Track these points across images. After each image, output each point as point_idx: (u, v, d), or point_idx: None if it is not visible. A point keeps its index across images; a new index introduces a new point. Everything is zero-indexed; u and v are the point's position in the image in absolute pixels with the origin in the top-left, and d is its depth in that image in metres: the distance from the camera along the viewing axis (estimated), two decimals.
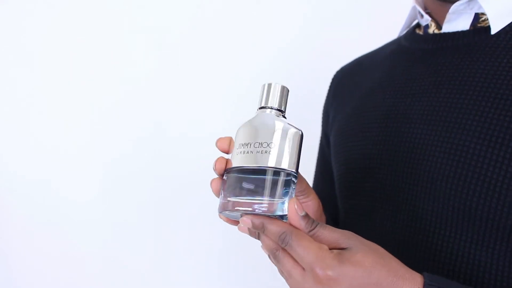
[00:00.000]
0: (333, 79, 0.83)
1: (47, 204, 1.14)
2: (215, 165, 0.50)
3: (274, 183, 0.48)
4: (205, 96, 1.14)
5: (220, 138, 0.52)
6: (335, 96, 0.79)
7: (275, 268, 0.74)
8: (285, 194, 0.48)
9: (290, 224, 0.47)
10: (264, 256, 0.71)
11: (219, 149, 0.52)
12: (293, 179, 0.49)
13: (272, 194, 0.48)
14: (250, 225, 0.48)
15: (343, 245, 0.47)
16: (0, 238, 1.14)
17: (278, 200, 0.48)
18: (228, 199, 0.48)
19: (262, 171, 0.47)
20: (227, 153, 0.52)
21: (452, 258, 0.55)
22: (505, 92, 0.54)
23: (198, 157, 1.12)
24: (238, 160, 0.48)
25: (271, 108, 0.51)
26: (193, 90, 1.14)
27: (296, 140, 0.49)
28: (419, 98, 0.61)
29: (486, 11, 0.59)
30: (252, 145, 0.48)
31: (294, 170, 0.49)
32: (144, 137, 1.15)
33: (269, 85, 0.51)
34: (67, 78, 1.14)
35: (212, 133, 1.15)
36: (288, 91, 0.52)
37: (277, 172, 0.48)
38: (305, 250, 0.45)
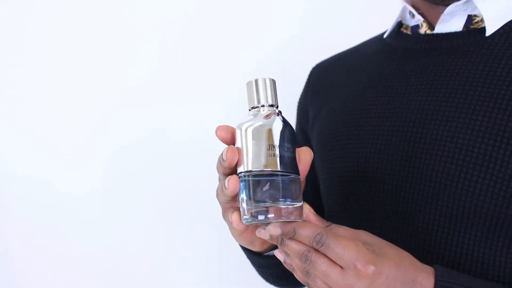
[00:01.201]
0: (310, 75, 0.82)
1: (47, 204, 1.14)
2: (227, 156, 0.47)
3: (299, 187, 0.49)
4: (205, 96, 1.14)
5: (220, 126, 0.50)
6: (315, 91, 0.78)
7: None
8: None
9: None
10: None
11: (220, 138, 0.49)
12: None
13: (300, 198, 0.49)
14: (279, 233, 0.48)
15: (361, 242, 0.48)
16: (0, 238, 1.15)
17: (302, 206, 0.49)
18: (264, 205, 0.47)
19: (293, 176, 0.48)
20: (229, 143, 0.49)
21: (456, 256, 0.55)
22: (507, 93, 0.55)
23: (199, 157, 1.12)
24: (268, 163, 0.47)
25: (269, 106, 0.50)
26: (193, 90, 1.14)
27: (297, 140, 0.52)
28: (415, 97, 0.61)
29: (482, 13, 0.59)
30: (277, 148, 0.47)
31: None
32: (144, 137, 1.14)
33: (258, 81, 0.50)
34: (67, 78, 1.14)
35: (212, 133, 1.15)
36: (275, 82, 0.50)
37: (297, 176, 0.49)
38: (344, 248, 0.46)
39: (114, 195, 1.15)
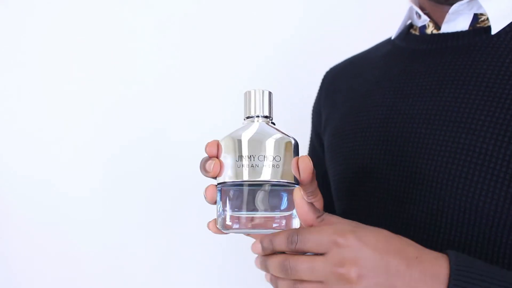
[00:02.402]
0: (324, 79, 0.83)
1: (47, 204, 1.14)
2: (211, 167, 0.49)
3: (290, 197, 0.48)
4: (205, 96, 1.14)
5: (209, 143, 0.51)
6: (328, 95, 0.79)
7: None
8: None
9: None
10: None
11: (208, 154, 0.51)
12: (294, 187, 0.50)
13: (288, 208, 0.48)
14: (260, 250, 0.47)
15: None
16: (0, 238, 1.15)
17: (295, 214, 0.49)
18: (238, 214, 0.48)
19: (276, 186, 0.47)
20: (217, 157, 0.51)
21: None
22: (510, 92, 0.55)
23: (199, 157, 1.12)
24: (243, 173, 0.47)
25: (262, 117, 0.51)
26: (193, 90, 1.14)
27: (296, 149, 0.50)
28: (421, 98, 0.61)
29: (487, 11, 0.59)
30: (256, 158, 0.47)
31: (295, 180, 0.49)
32: (144, 137, 1.15)
33: (254, 92, 0.51)
34: (67, 78, 1.14)
35: (213, 133, 1.15)
36: (272, 94, 0.52)
37: (287, 184, 0.48)
38: (319, 231, 0.44)
39: (114, 195, 1.15)
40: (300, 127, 0.84)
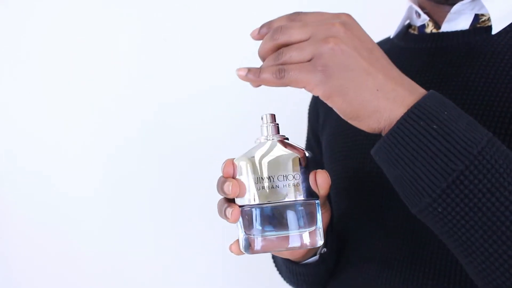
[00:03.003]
0: None
1: (48, 203, 1.14)
2: (230, 189, 0.48)
3: (312, 213, 0.49)
4: (205, 95, 1.14)
5: (225, 164, 0.50)
6: None
7: (275, 269, 0.74)
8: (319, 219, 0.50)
9: None
10: (266, 257, 0.71)
11: (225, 175, 0.50)
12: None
13: (310, 224, 0.49)
14: (255, 34, 0.50)
15: None
16: (0, 238, 1.14)
17: (319, 229, 0.49)
18: (263, 236, 0.48)
19: (298, 204, 0.48)
20: (233, 177, 0.50)
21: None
22: (510, 92, 0.54)
23: (199, 156, 1.12)
24: (266, 195, 0.48)
25: (274, 134, 0.51)
26: (193, 89, 1.14)
27: (312, 163, 0.50)
28: None
29: (489, 11, 0.59)
30: (276, 179, 0.48)
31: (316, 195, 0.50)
32: (144, 136, 1.15)
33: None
34: (67, 76, 1.14)
35: (213, 132, 1.15)
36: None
37: (310, 200, 0.49)
38: (320, 13, 0.48)
39: (114, 195, 1.15)
40: (296, 125, 0.84)
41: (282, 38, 0.47)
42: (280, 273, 0.74)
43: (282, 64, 0.46)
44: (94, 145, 1.14)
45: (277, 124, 0.51)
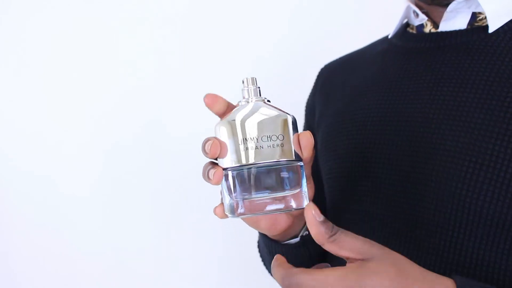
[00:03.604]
0: (319, 75, 0.82)
1: (48, 203, 1.14)
2: (210, 148, 0.47)
3: (296, 175, 0.48)
4: (204, 93, 1.14)
5: (209, 94, 0.49)
6: (323, 92, 0.78)
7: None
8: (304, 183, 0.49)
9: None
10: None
11: (212, 108, 0.49)
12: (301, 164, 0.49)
13: (295, 186, 0.47)
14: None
15: (365, 255, 0.44)
16: (0, 238, 1.15)
17: (304, 192, 0.48)
18: (248, 198, 0.47)
19: (283, 165, 0.47)
20: (222, 116, 0.50)
21: (460, 259, 0.54)
22: (510, 90, 0.54)
23: (198, 156, 1.11)
24: (249, 156, 0.47)
25: (256, 96, 0.50)
26: (193, 87, 1.14)
27: (295, 125, 0.49)
28: (418, 96, 0.61)
29: (484, 9, 0.59)
30: (260, 139, 0.47)
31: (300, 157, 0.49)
32: (144, 136, 1.15)
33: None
34: (67, 76, 1.14)
35: (213, 132, 1.15)
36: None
37: (294, 162, 0.48)
38: (314, 277, 0.43)
39: (114, 195, 1.15)
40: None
41: None
42: (264, 263, 0.74)
43: None
44: (92, 145, 1.14)
45: (259, 87, 0.50)
